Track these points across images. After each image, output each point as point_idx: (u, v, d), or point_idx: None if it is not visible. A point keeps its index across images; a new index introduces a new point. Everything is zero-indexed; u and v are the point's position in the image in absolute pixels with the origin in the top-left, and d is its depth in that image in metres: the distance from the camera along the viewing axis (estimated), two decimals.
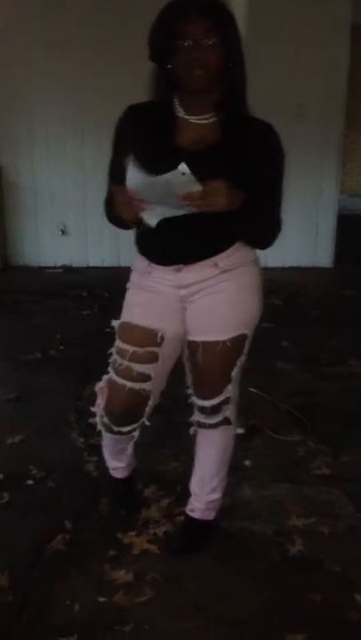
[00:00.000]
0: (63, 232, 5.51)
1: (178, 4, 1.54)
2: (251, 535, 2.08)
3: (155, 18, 1.57)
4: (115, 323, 1.85)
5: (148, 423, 1.88)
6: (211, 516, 2.02)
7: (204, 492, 1.98)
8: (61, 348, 3.68)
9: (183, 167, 1.42)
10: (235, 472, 2.35)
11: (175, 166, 1.41)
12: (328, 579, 1.90)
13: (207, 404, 1.83)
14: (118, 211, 1.58)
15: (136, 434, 1.92)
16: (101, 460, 2.24)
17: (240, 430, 2.69)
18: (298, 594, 1.84)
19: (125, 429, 1.88)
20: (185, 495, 2.08)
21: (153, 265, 1.74)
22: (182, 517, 2.08)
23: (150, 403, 1.83)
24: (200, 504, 2.00)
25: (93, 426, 2.69)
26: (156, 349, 1.77)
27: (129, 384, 1.78)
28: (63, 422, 2.79)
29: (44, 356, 3.56)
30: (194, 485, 2.01)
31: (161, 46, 1.56)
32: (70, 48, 5.07)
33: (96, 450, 2.51)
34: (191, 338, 1.78)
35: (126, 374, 1.78)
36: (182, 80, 1.57)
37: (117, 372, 1.80)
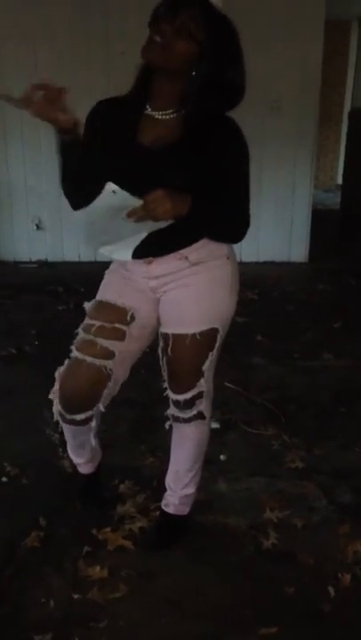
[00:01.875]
0: (38, 227, 5.46)
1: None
2: (225, 529, 2.10)
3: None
4: (87, 304, 1.85)
5: (103, 409, 1.81)
6: (185, 511, 2.03)
7: (179, 486, 1.99)
8: (36, 343, 3.66)
9: (111, 186, 1.41)
10: (209, 466, 2.37)
11: (135, 164, 1.41)
12: (302, 571, 1.92)
13: (180, 397, 1.84)
14: (33, 110, 1.48)
15: (93, 424, 1.86)
16: None
17: (215, 425, 2.71)
18: (272, 586, 1.86)
19: (78, 417, 1.81)
20: (161, 490, 2.08)
21: None
22: (158, 513, 2.08)
23: (110, 385, 1.76)
24: (174, 499, 2.01)
25: None
26: (124, 327, 1.76)
27: (89, 359, 1.73)
28: (38, 418, 2.77)
29: (19, 352, 3.53)
30: (169, 480, 2.02)
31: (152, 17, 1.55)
32: (43, 44, 5.01)
33: None
34: (163, 330, 1.80)
35: (88, 348, 1.74)
36: (144, 56, 1.55)
37: (79, 348, 1.77)
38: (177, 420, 1.91)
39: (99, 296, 1.84)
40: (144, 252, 1.70)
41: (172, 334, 1.77)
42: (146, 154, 1.57)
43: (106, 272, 1.89)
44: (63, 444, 2.54)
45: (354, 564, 1.94)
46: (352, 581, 1.87)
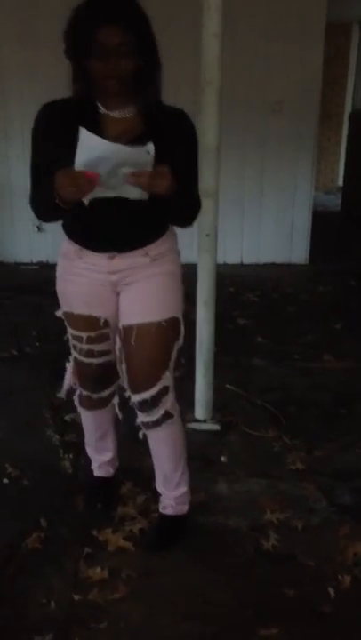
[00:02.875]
0: (39, 228, 5.46)
1: (93, 6, 1.55)
2: (225, 530, 2.10)
3: (71, 13, 1.58)
4: (59, 313, 1.94)
5: (123, 384, 1.94)
6: (183, 510, 2.04)
7: (170, 488, 2.01)
8: (37, 344, 3.66)
9: (151, 147, 1.47)
10: (210, 467, 2.37)
11: None
12: (302, 573, 1.92)
13: (147, 394, 1.83)
14: (62, 193, 1.53)
15: (116, 401, 2.05)
16: (77, 457, 2.24)
17: (216, 426, 2.72)
18: (272, 588, 1.86)
19: (105, 393, 2.01)
20: (159, 494, 2.08)
21: (85, 250, 1.78)
22: (158, 514, 2.09)
23: (118, 365, 1.92)
24: (170, 500, 2.02)
25: (69, 423, 2.72)
26: (105, 330, 1.87)
27: (95, 360, 1.92)
28: (39, 419, 2.78)
29: (20, 353, 3.54)
30: (159, 485, 2.04)
31: (77, 46, 1.58)
32: (44, 45, 5.01)
33: (72, 447, 2.52)
34: (125, 322, 1.82)
35: (90, 354, 1.91)
36: (97, 85, 1.60)
37: (82, 355, 1.92)
38: (147, 426, 1.91)
39: (66, 307, 1.89)
40: (108, 247, 1.74)
41: (137, 325, 1.79)
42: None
43: (57, 274, 1.90)
44: (64, 444, 2.56)
45: (354, 565, 1.94)
46: (352, 583, 1.87)
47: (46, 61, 5.02)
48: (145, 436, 1.95)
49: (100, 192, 1.56)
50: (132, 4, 1.58)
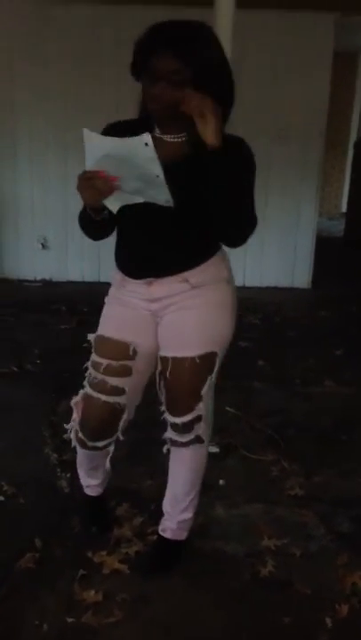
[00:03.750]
0: (44, 246, 5.50)
1: (154, 32, 1.54)
2: (222, 555, 2.08)
3: (141, 34, 1.57)
4: (91, 336, 1.87)
5: (122, 438, 1.89)
6: (182, 536, 2.01)
7: (176, 511, 1.98)
8: (38, 362, 3.66)
9: (147, 137, 1.42)
10: (208, 491, 2.35)
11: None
12: (299, 600, 1.90)
13: (178, 420, 1.83)
14: (82, 197, 1.56)
15: (111, 449, 1.92)
16: (74, 477, 2.22)
17: (214, 449, 2.70)
18: (268, 615, 1.83)
19: (100, 444, 1.89)
20: (158, 514, 2.06)
21: (126, 278, 1.78)
22: (155, 537, 2.07)
23: (125, 417, 1.85)
24: (172, 523, 1.99)
25: (67, 441, 2.68)
26: (129, 363, 1.79)
27: (103, 397, 1.80)
28: (37, 437, 2.77)
29: (21, 370, 3.53)
30: (166, 504, 2.01)
31: (136, 67, 1.59)
32: (55, 63, 5.11)
33: (69, 466, 2.50)
34: (162, 353, 1.80)
35: (101, 387, 1.80)
36: (147, 107, 1.61)
37: (92, 386, 1.82)
38: (175, 443, 1.90)
39: (100, 330, 1.85)
40: (145, 272, 1.72)
41: (172, 358, 1.77)
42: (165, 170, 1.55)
43: (105, 299, 1.88)
44: (61, 463, 2.54)
45: (352, 594, 1.92)
46: (350, 613, 1.85)
47: (56, 80, 5.13)
48: (165, 453, 1.94)
49: (125, 199, 1.55)
50: (197, 33, 1.55)
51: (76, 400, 1.92)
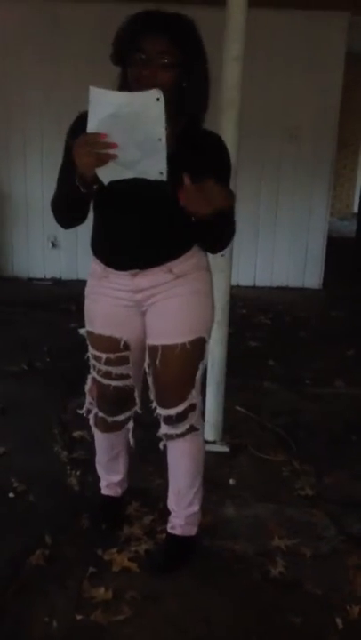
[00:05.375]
0: (54, 244, 5.51)
1: (141, 17, 1.56)
2: (232, 555, 2.07)
3: (123, 20, 1.59)
4: (82, 331, 1.92)
5: (140, 411, 1.97)
6: (192, 531, 2.01)
7: (182, 506, 1.97)
8: (47, 360, 3.67)
9: (157, 92, 1.38)
10: (218, 490, 2.35)
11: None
12: (309, 601, 1.89)
13: (172, 411, 1.83)
14: (79, 162, 1.48)
15: (130, 426, 2.02)
16: (84, 475, 2.22)
17: (225, 448, 2.69)
18: (278, 615, 1.82)
19: (121, 417, 1.98)
20: (168, 513, 2.05)
21: (109, 269, 1.78)
22: (164, 535, 2.06)
23: (137, 392, 1.95)
24: (180, 520, 1.99)
25: (77, 439, 2.71)
26: (124, 353, 1.85)
27: (113, 383, 1.90)
28: (47, 435, 2.77)
29: (30, 368, 3.54)
30: (171, 502, 2.01)
31: (121, 54, 1.59)
32: (66, 63, 5.11)
33: (79, 463, 2.50)
34: (151, 342, 1.81)
35: (107, 376, 1.89)
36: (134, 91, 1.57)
37: (100, 375, 1.90)
38: (170, 437, 1.90)
39: (89, 326, 1.88)
40: (129, 263, 1.73)
41: (162, 346, 1.78)
42: None
43: (85, 292, 1.88)
44: (71, 461, 2.55)
45: None
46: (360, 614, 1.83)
47: (66, 79, 5.13)
48: (162, 450, 1.95)
49: (118, 172, 1.49)
50: (184, 22, 1.58)
51: (88, 386, 2.00)
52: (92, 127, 1.44)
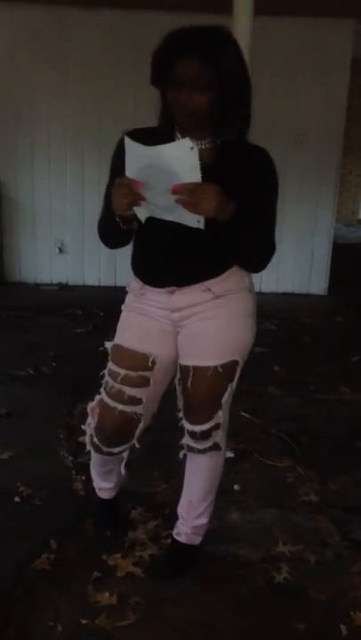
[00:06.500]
0: (61, 250, 5.54)
1: (172, 39, 1.53)
2: (236, 560, 2.07)
3: (160, 41, 1.56)
4: (108, 344, 1.85)
5: (137, 446, 1.88)
6: (197, 541, 2.01)
7: (191, 516, 1.97)
8: (54, 365, 3.68)
9: (190, 142, 1.40)
10: (223, 496, 2.34)
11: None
12: (313, 608, 1.89)
13: (197, 429, 1.83)
14: (114, 202, 1.53)
15: (125, 454, 1.92)
16: (89, 479, 2.22)
17: (229, 454, 2.69)
18: (282, 622, 1.82)
19: (115, 450, 1.88)
20: (173, 518, 2.06)
21: (147, 287, 1.75)
22: (169, 540, 2.07)
23: (141, 425, 1.83)
24: (186, 528, 1.99)
25: (83, 444, 2.69)
26: (147, 373, 1.77)
27: (120, 406, 1.78)
28: (53, 439, 2.78)
29: (36, 373, 3.55)
30: (181, 509, 2.00)
31: (157, 75, 1.57)
32: (72, 69, 5.15)
33: (84, 468, 2.50)
34: (183, 362, 1.78)
35: (118, 397, 1.78)
36: (173, 116, 1.59)
37: (109, 395, 1.80)
38: (192, 450, 1.89)
39: (118, 339, 1.82)
40: (167, 280, 1.70)
41: (193, 367, 1.75)
42: None
43: (123, 307, 1.86)
44: (77, 466, 2.55)
45: None
46: None
47: (74, 85, 5.17)
48: (184, 457, 1.94)
49: (156, 212, 1.53)
50: (219, 37, 1.53)
51: (92, 405, 1.91)
52: (129, 173, 1.49)
